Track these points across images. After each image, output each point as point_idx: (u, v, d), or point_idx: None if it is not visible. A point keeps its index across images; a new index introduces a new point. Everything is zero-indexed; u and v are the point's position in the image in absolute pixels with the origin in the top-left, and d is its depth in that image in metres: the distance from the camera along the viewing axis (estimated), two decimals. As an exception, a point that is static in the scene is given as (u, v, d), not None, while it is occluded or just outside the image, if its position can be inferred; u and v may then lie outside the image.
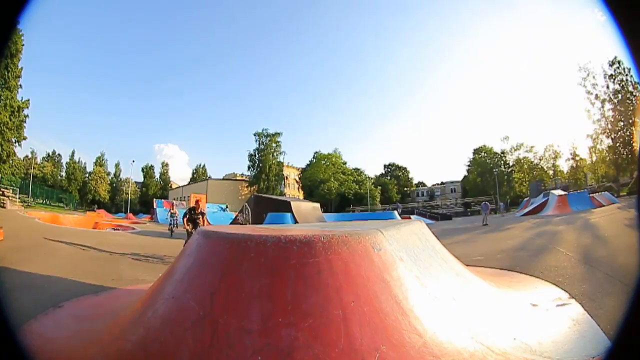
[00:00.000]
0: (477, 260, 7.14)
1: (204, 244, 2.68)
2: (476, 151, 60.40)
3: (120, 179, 65.80)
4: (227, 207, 38.93)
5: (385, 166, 71.79)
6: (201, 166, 72.48)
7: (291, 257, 2.13)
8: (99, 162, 63.77)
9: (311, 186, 61.63)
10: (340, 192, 60.64)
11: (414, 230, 3.41)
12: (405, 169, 70.81)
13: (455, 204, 62.58)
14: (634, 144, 37.45)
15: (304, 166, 66.68)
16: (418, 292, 2.43)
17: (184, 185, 67.24)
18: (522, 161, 54.57)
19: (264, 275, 2.12)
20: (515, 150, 55.66)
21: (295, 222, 21.17)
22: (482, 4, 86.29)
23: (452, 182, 68.09)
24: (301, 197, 59.60)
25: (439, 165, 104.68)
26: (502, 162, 56.23)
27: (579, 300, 4.21)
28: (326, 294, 2.04)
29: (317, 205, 30.28)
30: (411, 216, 34.07)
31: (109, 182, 63.76)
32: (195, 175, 70.73)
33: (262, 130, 63.42)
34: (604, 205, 23.71)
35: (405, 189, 68.78)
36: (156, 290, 2.80)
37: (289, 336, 1.91)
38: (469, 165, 62.26)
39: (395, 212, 32.33)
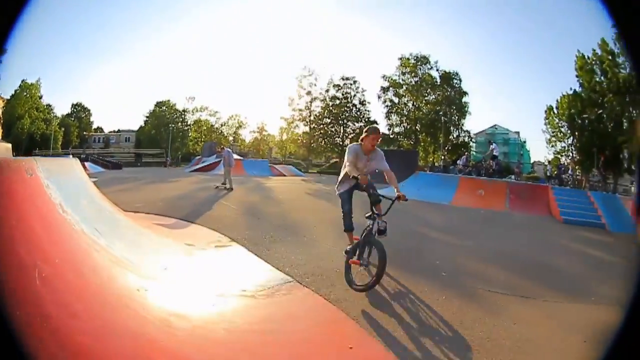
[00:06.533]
0: (137, 207, 7.56)
1: None
2: (158, 104, 59.68)
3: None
4: None
5: (73, 105, 60.21)
6: None
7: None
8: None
9: (10, 122, 45.17)
10: (31, 131, 48.12)
11: (64, 164, 3.98)
12: (88, 110, 61.65)
13: (128, 153, 59.53)
14: (331, 138, 46.58)
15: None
16: (61, 216, 2.98)
17: None
18: (202, 123, 58.60)
19: None
20: (197, 111, 58.97)
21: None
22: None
23: (128, 131, 63.82)
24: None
25: (119, 110, 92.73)
26: (182, 119, 58.45)
27: (242, 243, 5.02)
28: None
29: (9, 146, 21.85)
30: (86, 164, 29.74)
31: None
32: None
33: None
34: (285, 175, 25.19)
35: (84, 132, 59.59)
36: None
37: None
38: (147, 117, 60.84)
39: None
